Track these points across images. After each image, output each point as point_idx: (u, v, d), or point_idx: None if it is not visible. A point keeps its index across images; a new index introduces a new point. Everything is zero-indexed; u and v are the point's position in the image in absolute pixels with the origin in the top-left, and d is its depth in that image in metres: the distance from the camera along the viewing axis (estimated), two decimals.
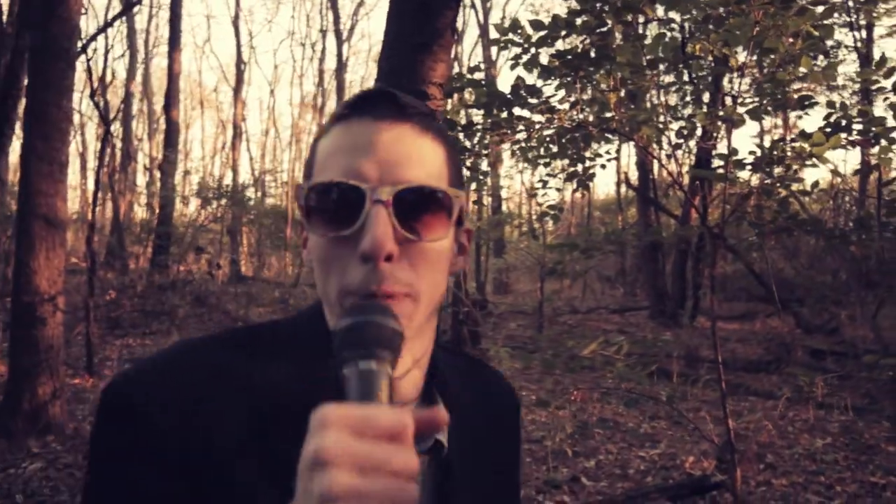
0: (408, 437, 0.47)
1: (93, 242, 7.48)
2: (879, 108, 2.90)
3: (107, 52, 20.78)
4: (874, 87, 2.77)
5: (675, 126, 2.75)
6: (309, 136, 34.96)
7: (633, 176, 15.23)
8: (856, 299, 9.39)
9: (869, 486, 4.61)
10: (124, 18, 20.55)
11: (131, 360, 7.84)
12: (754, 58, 2.82)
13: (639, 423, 5.98)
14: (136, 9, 21.59)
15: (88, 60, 6.77)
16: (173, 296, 12.12)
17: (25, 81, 6.24)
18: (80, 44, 5.78)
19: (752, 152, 2.56)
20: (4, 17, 7.26)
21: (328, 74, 30.39)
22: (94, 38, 6.66)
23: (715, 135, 3.63)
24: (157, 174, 18.34)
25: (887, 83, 2.65)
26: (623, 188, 20.35)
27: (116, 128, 21.20)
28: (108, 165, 16.93)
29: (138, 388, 0.64)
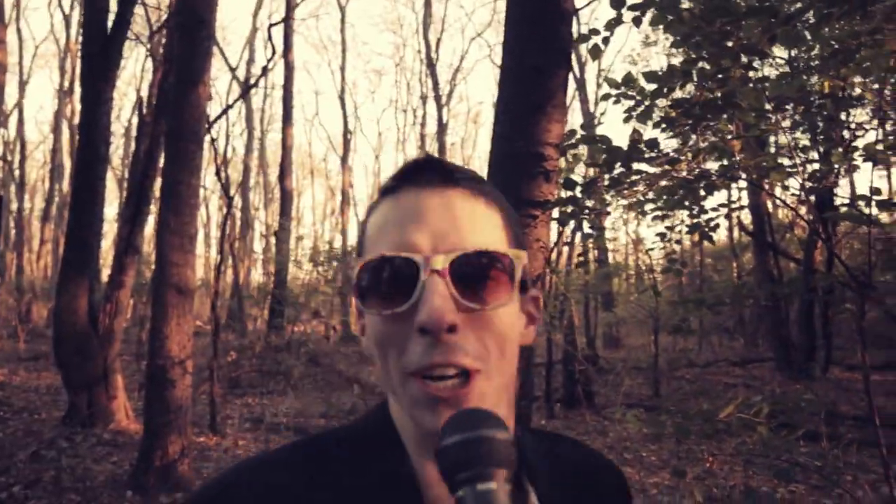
0: None
1: (217, 308, 7.93)
2: None
3: (228, 131, 22.61)
4: None
5: (808, 168, 2.57)
6: None
7: (746, 219, 14.46)
8: None
9: None
10: (242, 100, 22.33)
11: (250, 418, 8.13)
12: (889, 90, 2.62)
13: (774, 487, 5.48)
14: (252, 91, 23.43)
15: (213, 140, 7.34)
16: (289, 356, 12.57)
17: (160, 163, 6.84)
18: (205, 126, 6.29)
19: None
20: (145, 108, 8.07)
21: (430, 138, 31.43)
22: (217, 119, 7.24)
23: (837, 174, 3.38)
24: (273, 240, 19.42)
25: None
26: (736, 233, 19.36)
27: (236, 199, 22.80)
28: (230, 235, 18.13)
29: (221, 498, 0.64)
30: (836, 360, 12.41)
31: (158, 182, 6.38)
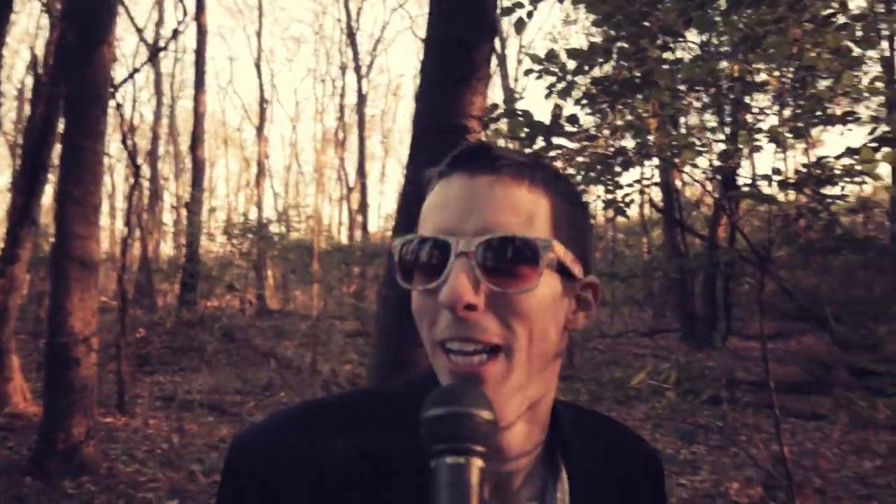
0: None
1: (123, 282, 7.57)
2: None
3: (135, 96, 21.38)
4: None
5: (717, 148, 2.70)
6: (331, 170, 35.42)
7: (657, 197, 15.10)
8: None
9: None
10: (151, 64, 21.13)
11: (161, 396, 7.86)
12: (790, 76, 2.77)
13: (677, 449, 5.82)
14: (161, 54, 22.19)
15: (119, 106, 6.92)
16: (202, 332, 12.19)
17: (59, 128, 6.39)
18: (110, 90, 5.92)
19: (797, 171, 2.51)
20: (40, 68, 7.48)
21: (349, 109, 30.90)
22: (123, 83, 6.82)
23: (740, 156, 3.57)
24: (184, 212, 18.64)
25: None
26: (647, 210, 20.19)
27: (144, 169, 21.67)
28: (137, 206, 17.26)
29: (261, 450, 0.67)
30: (736, 331, 13.24)
31: (57, 149, 5.97)
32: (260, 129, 27.20)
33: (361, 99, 25.94)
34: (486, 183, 0.67)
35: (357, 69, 25.91)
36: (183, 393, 8.01)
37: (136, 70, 7.73)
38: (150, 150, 20.22)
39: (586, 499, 0.72)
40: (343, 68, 31.43)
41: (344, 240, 26.77)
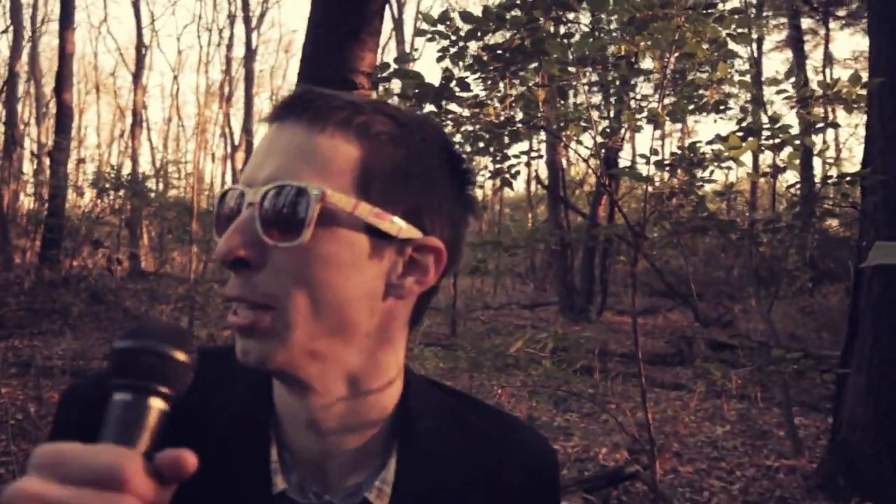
0: (127, 485, 0.40)
1: None
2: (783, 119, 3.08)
3: None
4: (783, 97, 2.92)
5: (601, 125, 2.78)
6: (215, 126, 33.70)
7: (543, 174, 15.61)
8: (752, 294, 10.03)
9: (764, 469, 4.91)
10: None
11: (16, 362, 7.24)
12: (672, 61, 2.90)
13: (552, 417, 6.10)
14: None
15: None
16: (66, 293, 11.33)
17: None
18: None
19: (672, 153, 2.64)
20: None
21: (236, 62, 29.29)
22: None
23: (623, 136, 3.73)
24: (47, 161, 17.08)
25: (794, 92, 2.80)
26: (533, 186, 20.82)
27: None
28: None
29: (79, 402, 0.65)
30: (610, 306, 14.03)
31: None
32: (137, 76, 25.21)
33: (250, 52, 24.73)
34: (289, 129, 0.62)
35: (247, 20, 24.64)
36: (42, 359, 7.38)
37: None
38: (5, 88, 18.26)
39: (419, 489, 0.65)
40: (231, 18, 29.66)
41: None
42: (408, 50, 21.90)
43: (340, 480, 0.64)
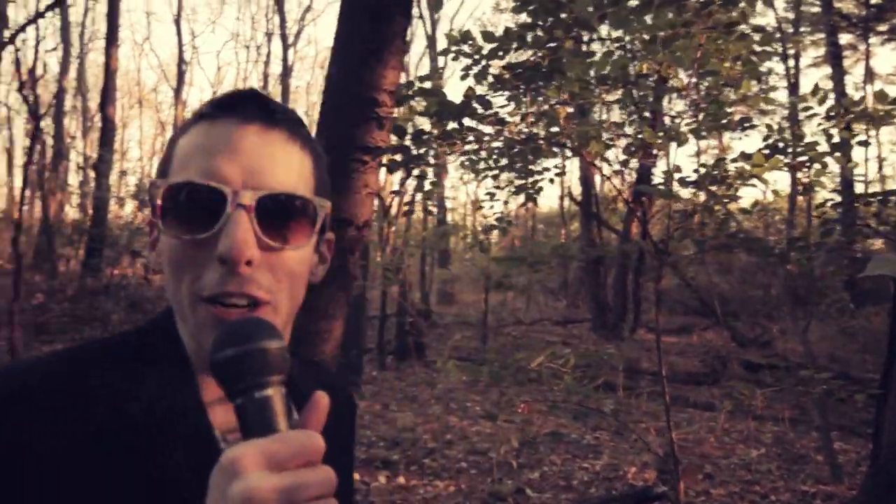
0: (320, 456, 0.50)
1: (19, 243, 7.09)
2: (810, 135, 3.04)
3: (38, 43, 19.88)
4: (808, 114, 2.89)
5: (622, 143, 2.79)
6: None
7: (577, 191, 15.53)
8: (788, 314, 9.79)
9: (800, 494, 4.78)
10: (57, 10, 19.75)
11: None
12: (695, 79, 2.89)
13: (582, 435, 6.04)
14: (70, 0, 20.78)
15: (17, 52, 6.43)
16: (106, 301, 11.63)
17: None
18: (7, 33, 5.50)
19: (695, 170, 2.63)
20: None
21: (273, 79, 29.89)
22: (23, 28, 6.33)
23: (656, 153, 3.71)
24: (92, 174, 17.63)
25: (821, 109, 2.77)
26: (566, 203, 20.72)
27: (48, 124, 20.27)
28: (38, 163, 16.19)
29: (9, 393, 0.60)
30: (644, 323, 13.83)
31: None
32: (178, 91, 25.93)
33: (287, 69, 25.20)
34: (263, 135, 0.65)
35: (283, 37, 25.09)
36: None
37: (39, 14, 7.20)
38: (54, 104, 18.92)
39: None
40: (269, 35, 30.40)
41: None
42: (440, 66, 22.07)
43: None
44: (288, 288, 0.65)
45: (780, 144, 2.67)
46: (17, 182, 27.38)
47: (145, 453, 0.60)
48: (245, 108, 0.66)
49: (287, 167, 0.65)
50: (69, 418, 0.59)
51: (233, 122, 0.65)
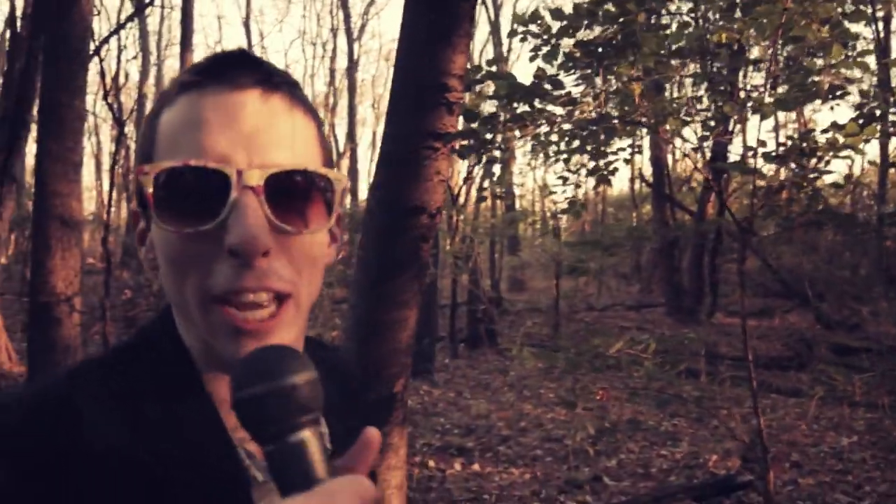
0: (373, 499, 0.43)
1: (108, 243, 7.49)
2: None
3: (119, 53, 20.91)
4: None
5: (699, 118, 2.67)
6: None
7: (647, 172, 15.09)
8: (880, 294, 9.22)
9: None
10: (136, 20, 20.68)
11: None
12: (778, 47, 2.73)
13: (659, 422, 5.89)
14: (147, 10, 21.70)
15: (101, 62, 6.77)
16: None
17: (39, 83, 6.25)
18: (92, 45, 5.78)
19: (781, 144, 2.49)
20: (19, 22, 7.29)
21: (339, 74, 30.40)
22: (106, 39, 6.65)
23: (732, 129, 3.53)
24: None
25: None
26: (637, 184, 20.18)
27: (130, 129, 21.30)
28: (123, 166, 17.05)
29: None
30: (722, 307, 13.35)
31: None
32: None
33: (352, 63, 25.54)
34: (264, 102, 0.56)
35: (348, 32, 25.44)
36: None
37: (121, 25, 7.56)
38: (136, 109, 19.88)
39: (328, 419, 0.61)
40: (334, 31, 30.85)
41: None
42: (504, 52, 21.86)
43: None
44: (308, 276, 0.57)
45: (877, 112, 2.49)
46: (105, 185, 28.96)
47: (163, 473, 0.53)
48: (238, 72, 0.56)
49: (293, 138, 0.56)
50: (72, 443, 0.52)
51: (225, 90, 0.55)
